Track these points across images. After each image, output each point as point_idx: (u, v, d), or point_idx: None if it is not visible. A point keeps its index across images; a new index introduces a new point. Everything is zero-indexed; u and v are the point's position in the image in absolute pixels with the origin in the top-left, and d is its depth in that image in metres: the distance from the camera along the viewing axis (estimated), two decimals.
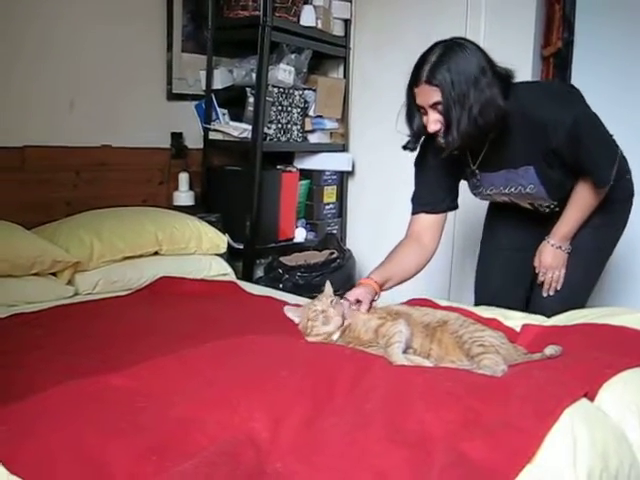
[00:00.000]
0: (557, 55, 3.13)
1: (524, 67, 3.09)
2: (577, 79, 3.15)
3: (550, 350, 1.60)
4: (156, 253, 2.67)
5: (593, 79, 3.12)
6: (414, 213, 2.17)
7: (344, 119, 3.70)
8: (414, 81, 1.87)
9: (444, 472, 1.07)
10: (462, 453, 1.12)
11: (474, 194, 2.22)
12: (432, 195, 2.14)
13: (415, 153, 2.13)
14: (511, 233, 2.32)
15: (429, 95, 1.84)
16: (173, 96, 3.27)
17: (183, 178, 3.25)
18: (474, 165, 2.08)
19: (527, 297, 2.31)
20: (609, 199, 2.06)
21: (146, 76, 3.16)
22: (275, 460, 1.13)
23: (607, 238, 2.19)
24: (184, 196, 3.25)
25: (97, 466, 1.09)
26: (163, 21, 3.17)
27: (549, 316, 1.94)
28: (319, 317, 1.73)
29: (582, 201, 2.05)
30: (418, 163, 2.18)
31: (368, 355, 1.58)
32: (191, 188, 3.28)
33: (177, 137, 3.29)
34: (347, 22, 3.62)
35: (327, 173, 3.64)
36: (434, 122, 1.87)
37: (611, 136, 2.02)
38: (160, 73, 3.21)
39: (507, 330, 1.84)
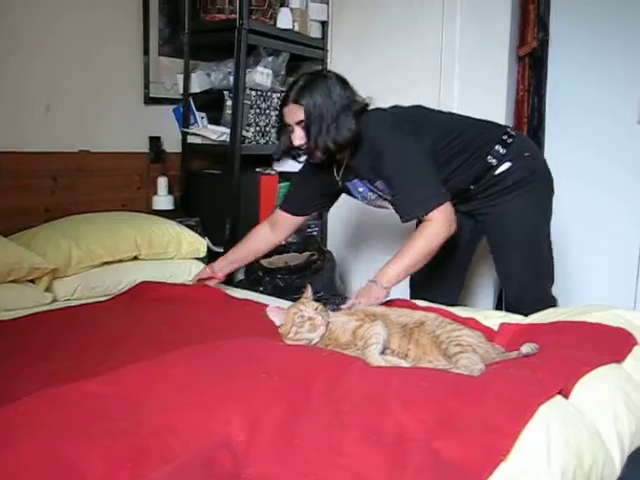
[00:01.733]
0: (532, 55, 3.16)
1: (500, 67, 3.12)
2: (552, 78, 3.18)
3: (526, 348, 1.62)
4: (135, 258, 2.65)
5: (568, 78, 3.16)
6: (280, 207, 2.54)
7: None
8: (284, 102, 2.18)
9: (419, 472, 1.07)
10: (437, 453, 1.13)
11: (368, 205, 2.43)
12: (298, 203, 2.51)
13: None
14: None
15: (295, 114, 2.13)
16: (151, 100, 3.25)
17: (162, 182, 3.24)
18: (338, 177, 2.35)
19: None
20: (516, 182, 2.22)
21: (123, 80, 3.14)
22: (251, 464, 1.13)
23: (533, 216, 2.30)
24: (163, 200, 3.24)
25: (72, 474, 1.08)
26: (139, 25, 3.16)
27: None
28: (305, 324, 1.73)
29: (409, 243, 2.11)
30: (298, 173, 2.55)
31: (345, 357, 1.58)
32: (170, 192, 3.27)
33: (155, 141, 3.27)
34: (324, 24, 3.63)
35: None
36: (299, 137, 2.15)
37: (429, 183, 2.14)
38: (137, 77, 3.19)
39: (485, 329, 1.86)
